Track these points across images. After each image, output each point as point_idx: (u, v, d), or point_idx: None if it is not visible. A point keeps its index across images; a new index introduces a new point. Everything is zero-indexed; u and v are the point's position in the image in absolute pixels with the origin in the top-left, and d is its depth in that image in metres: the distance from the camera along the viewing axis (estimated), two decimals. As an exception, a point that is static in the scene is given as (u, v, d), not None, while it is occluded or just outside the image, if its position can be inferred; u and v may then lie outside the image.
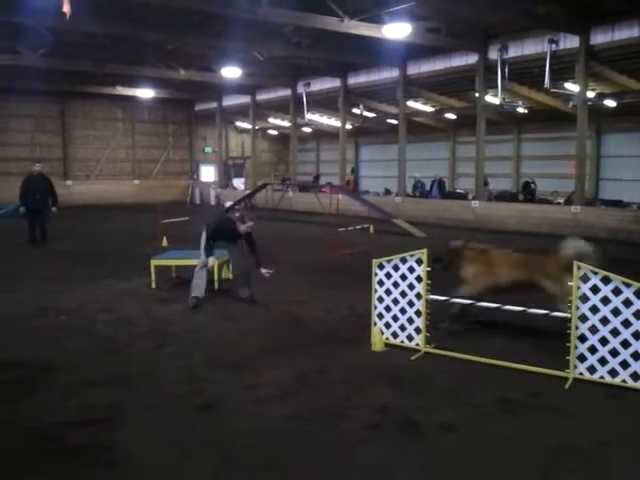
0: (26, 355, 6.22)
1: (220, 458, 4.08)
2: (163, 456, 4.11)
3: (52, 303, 8.48)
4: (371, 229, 14.98)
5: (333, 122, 28.86)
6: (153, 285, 9.39)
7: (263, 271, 8.48)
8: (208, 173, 34.37)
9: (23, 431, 4.44)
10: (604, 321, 5.27)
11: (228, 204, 24.85)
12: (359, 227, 14.19)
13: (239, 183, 33.00)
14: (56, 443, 4.27)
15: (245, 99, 30.17)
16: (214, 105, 32.30)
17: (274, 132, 35.08)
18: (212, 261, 8.39)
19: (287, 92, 27.28)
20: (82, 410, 4.83)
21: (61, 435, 4.38)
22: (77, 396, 5.12)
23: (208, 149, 34.19)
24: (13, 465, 3.97)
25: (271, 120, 32.90)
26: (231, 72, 23.12)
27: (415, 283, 6.14)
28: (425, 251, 6.12)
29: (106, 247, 14.31)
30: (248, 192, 25.85)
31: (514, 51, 18.40)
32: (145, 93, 29.30)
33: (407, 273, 6.17)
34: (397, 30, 16.00)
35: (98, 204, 27.63)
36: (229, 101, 31.69)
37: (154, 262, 9.51)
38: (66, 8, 14.11)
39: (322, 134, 33.12)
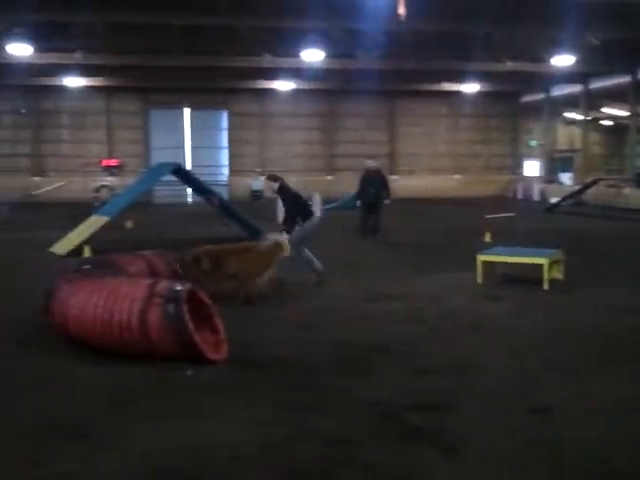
0: (360, 336, 6.66)
1: (553, 464, 3.86)
2: (495, 451, 4.04)
3: (381, 290, 8.96)
4: None
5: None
6: (479, 280, 9.30)
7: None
8: (532, 167, 33.16)
9: (363, 407, 4.75)
10: None
11: (554, 200, 23.67)
12: None
13: (566, 178, 31.21)
14: (395, 422, 4.48)
15: (576, 88, 28.34)
16: (541, 96, 31.00)
17: (608, 123, 32.36)
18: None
19: (626, 78, 24.87)
20: (418, 393, 5.01)
21: (399, 415, 4.59)
22: (412, 380, 5.33)
23: (533, 142, 32.98)
24: (357, 436, 4.26)
25: (605, 110, 30.39)
26: (562, 60, 21.92)
27: None
28: None
29: (430, 240, 14.69)
30: (577, 188, 24.29)
31: None
32: (469, 87, 29.43)
33: None
34: None
35: (420, 198, 28.55)
36: (558, 91, 30.08)
37: (481, 257, 9.41)
38: (401, 10, 14.85)
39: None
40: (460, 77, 27.90)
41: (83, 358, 5.81)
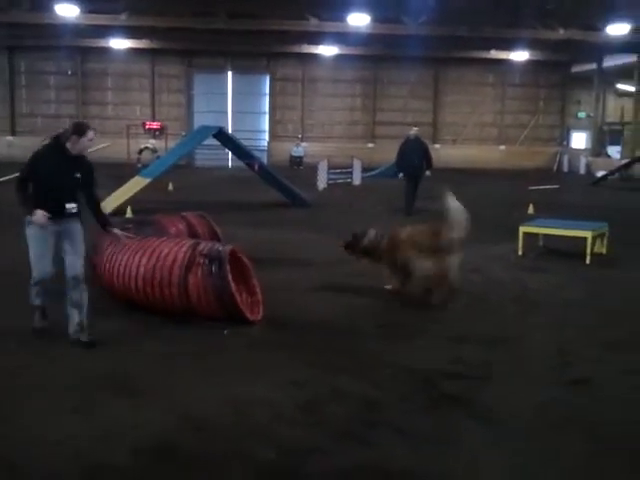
0: (396, 303, 6.67)
1: (589, 439, 3.83)
2: (529, 421, 4.06)
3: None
4: None
5: None
6: (520, 252, 9.18)
7: (117, 232, 5.43)
8: (579, 140, 32.30)
9: (398, 372, 4.80)
10: None
11: (600, 173, 23.09)
12: None
13: (614, 151, 30.33)
14: (429, 388, 4.52)
15: (630, 58, 27.30)
16: (592, 66, 30.01)
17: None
18: (40, 216, 4.96)
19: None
20: (455, 362, 5.02)
21: (436, 382, 4.63)
22: (449, 348, 5.35)
23: (582, 114, 32.01)
24: (390, 400, 4.32)
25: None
26: (617, 29, 21.17)
27: None
28: None
29: (471, 210, 14.31)
30: (625, 161, 23.62)
31: None
32: (519, 56, 28.72)
33: None
34: None
35: (463, 168, 28.08)
36: (611, 61, 29.02)
37: (523, 229, 9.28)
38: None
39: None
40: (509, 45, 27.17)
41: (125, 315, 5.95)
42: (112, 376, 4.58)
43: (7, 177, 18.53)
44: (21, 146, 27.94)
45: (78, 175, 5.26)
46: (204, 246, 5.71)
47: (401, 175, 14.23)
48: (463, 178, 22.80)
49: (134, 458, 3.50)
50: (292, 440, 3.73)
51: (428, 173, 14.11)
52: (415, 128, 14.88)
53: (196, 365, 4.85)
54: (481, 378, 4.70)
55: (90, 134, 5.30)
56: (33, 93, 30.05)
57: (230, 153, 21.41)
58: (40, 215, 4.97)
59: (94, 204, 5.46)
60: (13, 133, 29.72)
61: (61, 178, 5.17)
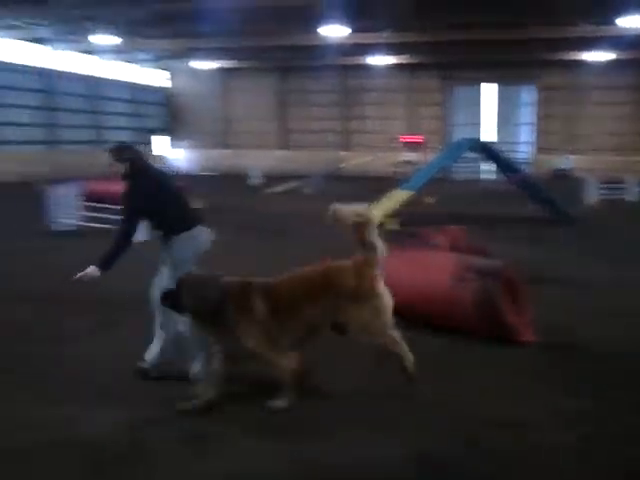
0: None
1: None
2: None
3: None
4: None
5: None
6: None
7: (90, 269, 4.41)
8: None
9: None
10: None
11: None
12: None
13: None
14: None
15: None
16: None
17: None
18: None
19: None
20: None
21: None
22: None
23: None
24: None
25: None
26: None
27: None
28: None
29: None
30: None
31: None
32: None
33: None
34: None
35: None
36: None
37: None
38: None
39: None
40: None
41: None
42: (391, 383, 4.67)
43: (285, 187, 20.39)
44: (291, 160, 30.58)
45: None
46: (475, 262, 5.61)
47: None
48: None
49: None
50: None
51: None
52: None
53: (448, 381, 4.73)
54: None
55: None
56: (301, 110, 32.61)
57: (483, 165, 21.04)
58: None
59: None
60: (286, 148, 32.57)
61: None
